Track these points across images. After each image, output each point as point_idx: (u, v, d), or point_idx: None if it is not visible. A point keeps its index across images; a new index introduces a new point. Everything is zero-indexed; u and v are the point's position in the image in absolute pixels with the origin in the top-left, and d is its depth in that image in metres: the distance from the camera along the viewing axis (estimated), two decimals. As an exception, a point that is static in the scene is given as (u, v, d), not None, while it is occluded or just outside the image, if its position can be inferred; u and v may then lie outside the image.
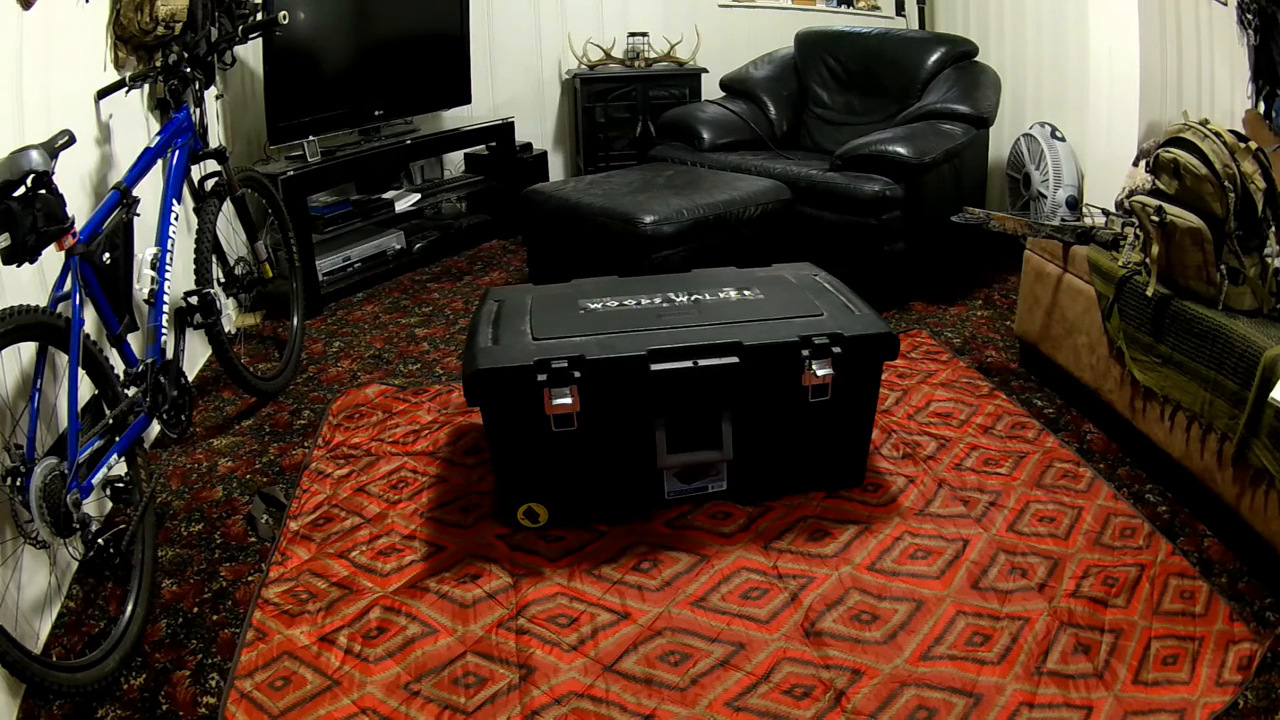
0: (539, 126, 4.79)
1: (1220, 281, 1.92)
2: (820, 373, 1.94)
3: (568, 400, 1.87)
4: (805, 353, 1.94)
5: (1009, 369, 2.86)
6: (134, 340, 2.08)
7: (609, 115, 4.53)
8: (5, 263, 1.55)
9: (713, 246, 3.05)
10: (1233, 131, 1.95)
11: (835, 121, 4.05)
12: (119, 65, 2.43)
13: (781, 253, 2.95)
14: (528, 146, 4.55)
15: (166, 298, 2.16)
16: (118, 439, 1.78)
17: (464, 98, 4.27)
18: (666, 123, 4.08)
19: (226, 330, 2.50)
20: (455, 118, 4.30)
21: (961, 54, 3.77)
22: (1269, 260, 1.93)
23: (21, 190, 1.58)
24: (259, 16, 2.85)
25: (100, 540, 1.62)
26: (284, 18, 2.64)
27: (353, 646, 1.68)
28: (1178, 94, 3.01)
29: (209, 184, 2.55)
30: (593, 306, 2.13)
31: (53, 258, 1.73)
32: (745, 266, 2.44)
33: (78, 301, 1.69)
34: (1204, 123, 1.96)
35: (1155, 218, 1.98)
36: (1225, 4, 2.86)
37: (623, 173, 3.58)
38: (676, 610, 1.76)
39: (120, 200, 1.97)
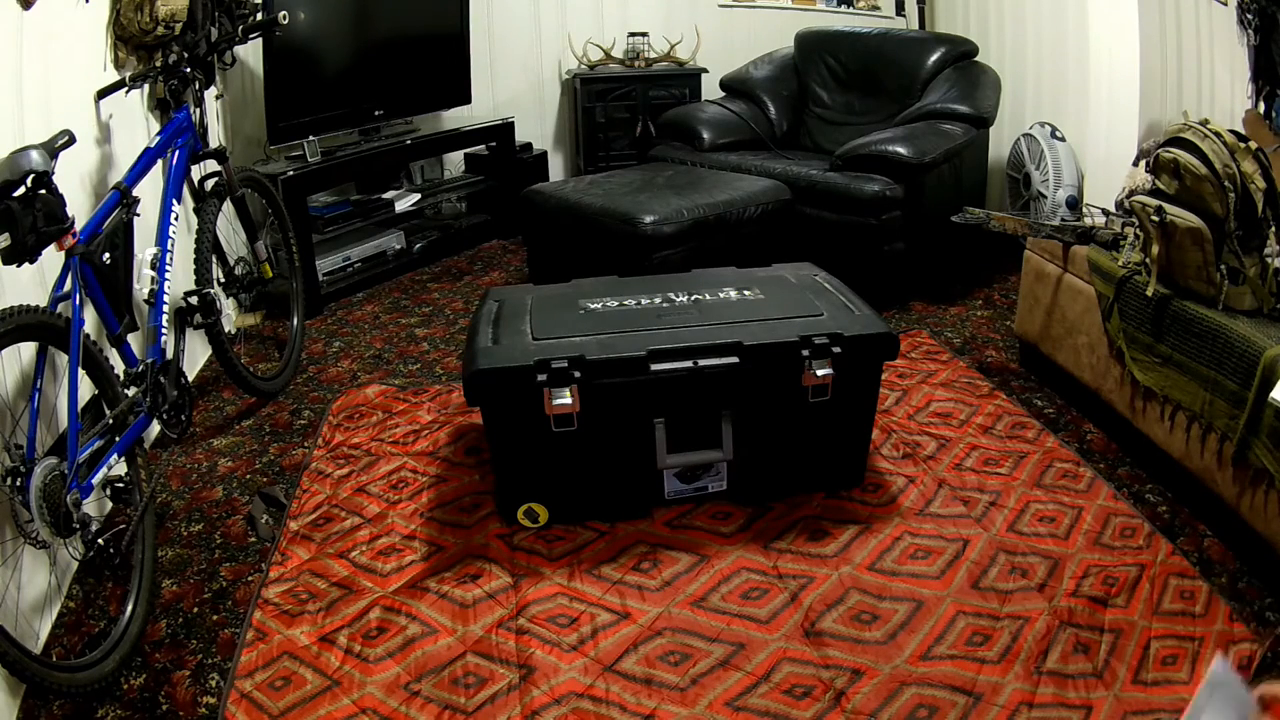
0: (539, 126, 4.79)
1: (1220, 281, 1.92)
2: (820, 373, 1.94)
3: (567, 400, 1.87)
4: (805, 353, 1.94)
5: (1009, 369, 2.86)
6: (134, 340, 2.08)
7: (609, 115, 4.53)
8: (5, 263, 1.55)
9: (713, 246, 3.05)
10: (1233, 131, 1.95)
11: (835, 121, 4.05)
12: (119, 65, 2.43)
13: (781, 253, 2.95)
14: (528, 146, 4.55)
15: (166, 298, 2.16)
16: (118, 439, 1.78)
17: (464, 98, 4.27)
18: (666, 123, 4.08)
19: (226, 330, 2.50)
20: (455, 118, 4.30)
21: (961, 54, 3.77)
22: (1269, 260, 1.93)
23: (21, 190, 1.58)
24: (259, 16, 2.85)
25: (100, 540, 1.63)
26: (284, 18, 2.64)
27: (353, 646, 1.68)
28: (1178, 94, 3.01)
29: (209, 184, 2.55)
30: (593, 306, 2.13)
31: (53, 258, 1.73)
32: (745, 266, 2.44)
33: (78, 301, 1.69)
34: (1204, 123, 1.96)
35: (1155, 218, 1.98)
36: (1225, 4, 2.86)
37: (623, 173, 3.58)
38: (676, 610, 1.76)
39: (120, 200, 1.97)
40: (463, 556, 1.94)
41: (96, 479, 1.66)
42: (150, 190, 2.19)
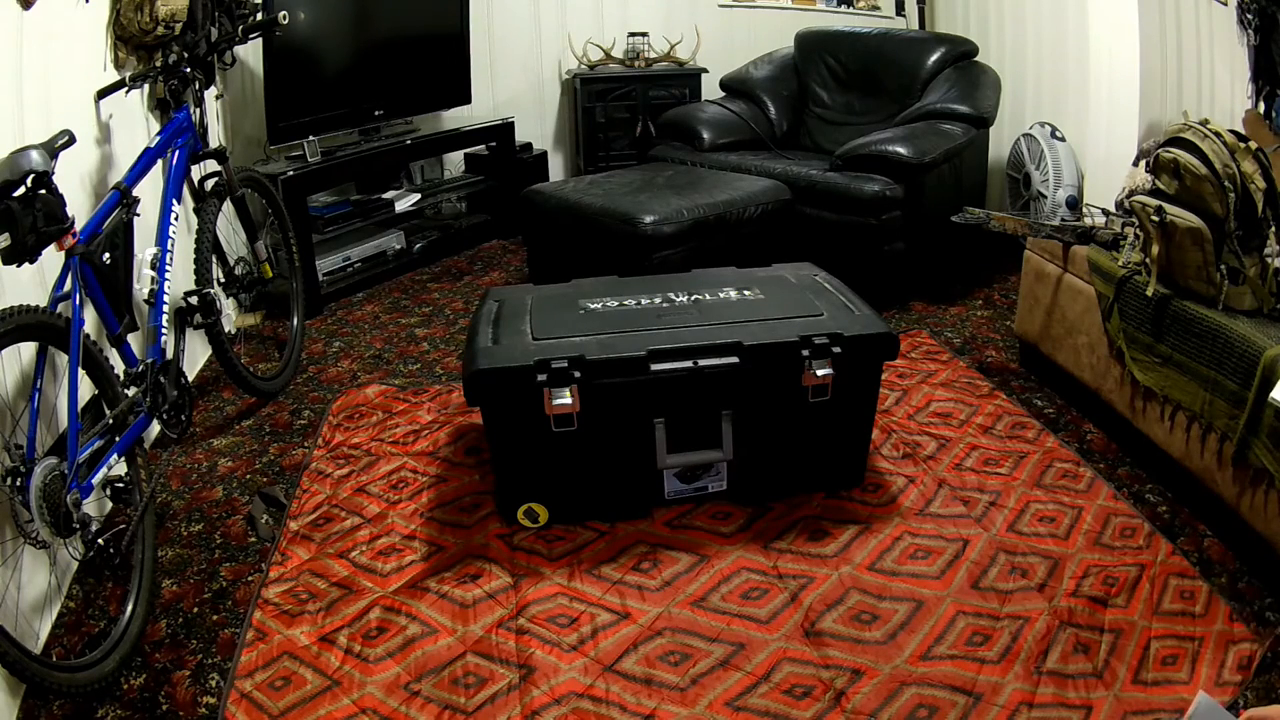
0: (539, 126, 4.79)
1: (1220, 281, 1.92)
2: (820, 373, 1.94)
3: (567, 400, 1.87)
4: (805, 353, 1.94)
5: (1009, 369, 2.86)
6: (134, 340, 2.08)
7: (609, 115, 4.53)
8: (5, 263, 1.55)
9: (713, 246, 3.05)
10: (1233, 131, 1.95)
11: (835, 121, 4.05)
12: (119, 65, 2.43)
13: (781, 253, 2.95)
14: (528, 146, 4.55)
15: (166, 298, 2.16)
16: (118, 439, 1.78)
17: (464, 98, 4.27)
18: (666, 123, 4.08)
19: (226, 330, 2.50)
20: (455, 118, 4.30)
21: (961, 54, 3.77)
22: (1269, 260, 1.93)
23: (21, 190, 1.58)
24: (259, 16, 2.85)
25: (100, 540, 1.62)
26: (284, 18, 2.64)
27: (353, 646, 1.68)
28: (1178, 94, 3.01)
29: (209, 184, 2.55)
30: (593, 306, 2.13)
31: (53, 258, 1.73)
32: (745, 266, 2.44)
33: (78, 301, 1.69)
34: (1204, 123, 1.96)
35: (1155, 218, 1.98)
36: (1225, 4, 2.86)
37: (623, 173, 3.58)
38: (676, 610, 1.76)
39: (120, 200, 1.97)
40: (463, 556, 1.94)
41: (96, 479, 1.66)
42: (150, 190, 2.19)
